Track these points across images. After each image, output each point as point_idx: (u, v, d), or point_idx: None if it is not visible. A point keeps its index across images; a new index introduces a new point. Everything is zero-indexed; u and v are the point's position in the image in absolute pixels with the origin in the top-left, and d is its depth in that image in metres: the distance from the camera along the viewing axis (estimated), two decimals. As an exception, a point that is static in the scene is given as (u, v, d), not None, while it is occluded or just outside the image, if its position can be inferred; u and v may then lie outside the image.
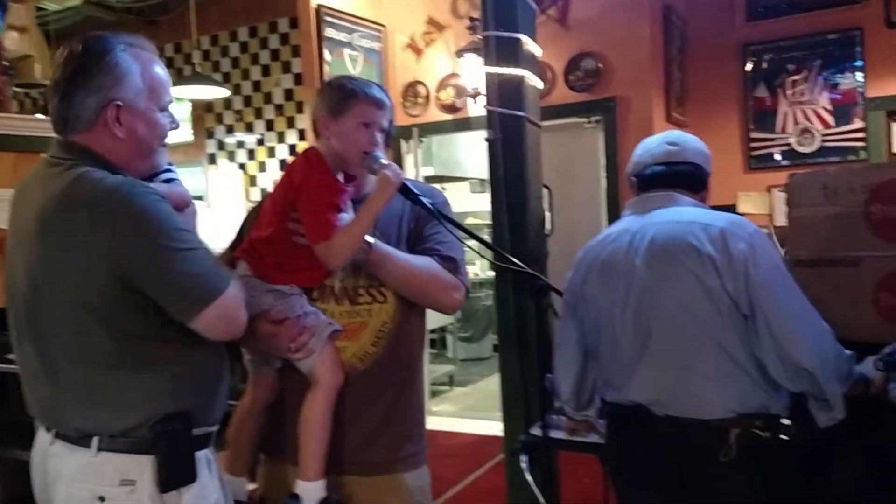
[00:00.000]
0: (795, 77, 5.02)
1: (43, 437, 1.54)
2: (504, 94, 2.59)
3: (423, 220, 1.82)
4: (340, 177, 1.73)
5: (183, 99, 5.05)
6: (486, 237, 2.36)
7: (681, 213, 1.81)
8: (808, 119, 5.00)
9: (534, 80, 2.64)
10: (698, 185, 1.91)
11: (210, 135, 5.50)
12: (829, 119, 4.94)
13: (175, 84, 4.85)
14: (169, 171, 1.67)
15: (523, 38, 2.57)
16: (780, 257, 1.75)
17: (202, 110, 5.50)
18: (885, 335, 1.80)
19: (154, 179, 1.60)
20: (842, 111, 4.90)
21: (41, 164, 1.51)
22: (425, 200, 1.74)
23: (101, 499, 1.42)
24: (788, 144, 5.05)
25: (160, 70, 1.54)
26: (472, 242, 1.95)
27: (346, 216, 1.68)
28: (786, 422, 1.73)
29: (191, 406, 1.49)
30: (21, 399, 2.74)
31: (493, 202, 2.66)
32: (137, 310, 1.41)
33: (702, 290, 1.68)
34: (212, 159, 5.54)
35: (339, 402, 1.71)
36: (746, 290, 1.65)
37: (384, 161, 1.71)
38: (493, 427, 5.18)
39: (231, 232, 1.94)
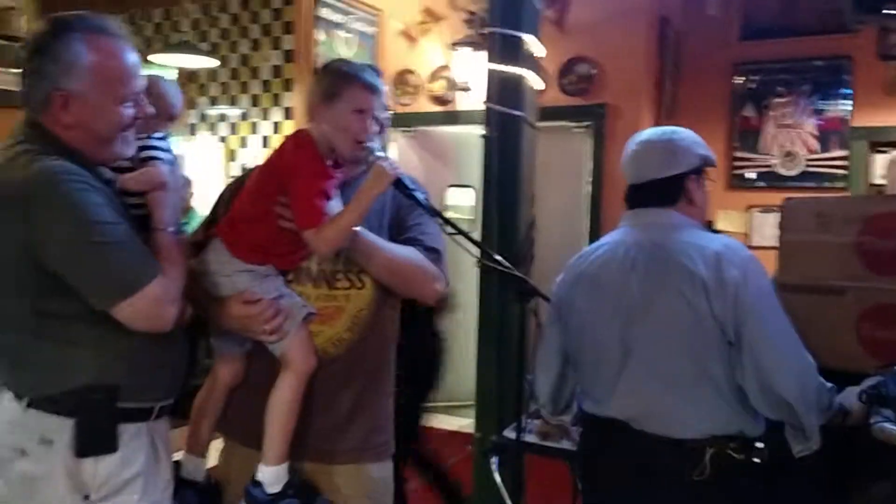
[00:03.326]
0: (783, 100, 5.07)
1: None
2: (504, 92, 2.57)
3: (405, 208, 1.80)
4: (329, 162, 1.69)
5: (169, 67, 4.95)
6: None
7: (676, 232, 1.79)
8: (792, 142, 5.05)
9: (534, 81, 2.62)
10: (678, 194, 1.84)
11: (192, 105, 5.39)
12: (814, 144, 5.00)
13: (162, 52, 4.80)
14: (152, 147, 1.65)
15: (527, 37, 2.55)
16: (771, 286, 1.75)
17: (185, 79, 5.39)
18: (865, 365, 1.83)
19: (133, 159, 1.60)
20: (826, 138, 4.97)
21: (8, 135, 1.51)
22: (419, 195, 1.72)
23: (23, 452, 1.46)
24: (771, 166, 5.10)
25: (124, 59, 1.50)
26: (457, 238, 1.93)
27: (335, 203, 1.65)
28: (759, 445, 1.74)
29: (120, 381, 1.51)
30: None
31: (484, 200, 2.64)
32: (61, 291, 1.43)
33: (690, 311, 1.68)
34: (192, 130, 5.43)
35: (309, 388, 1.70)
36: (734, 316, 1.65)
37: (380, 153, 1.68)
38: (455, 422, 5.21)
39: (206, 205, 1.90)
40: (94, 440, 1.49)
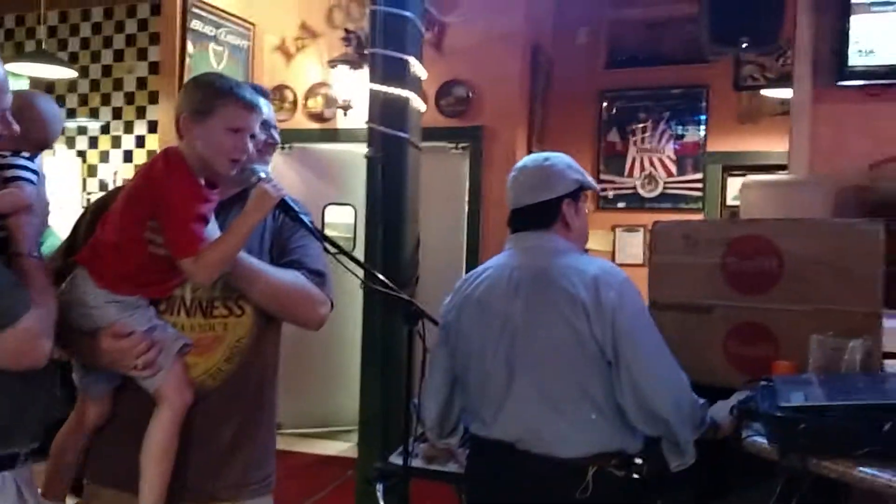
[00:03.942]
0: (644, 125, 5.37)
1: None
2: (387, 113, 2.57)
3: (286, 230, 1.73)
4: (202, 182, 1.60)
5: (21, 76, 4.60)
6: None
7: (557, 256, 1.83)
8: (653, 166, 5.36)
9: (418, 103, 2.63)
10: (554, 217, 1.87)
11: (48, 117, 5.04)
12: (672, 168, 5.33)
13: (14, 60, 4.45)
14: (17, 167, 1.53)
15: (411, 60, 2.56)
16: (645, 307, 1.82)
17: (42, 89, 5.03)
18: (733, 381, 1.94)
19: None
20: (684, 162, 5.30)
21: None
22: (305, 218, 1.67)
23: None
24: (634, 188, 5.38)
25: None
26: (342, 260, 1.89)
27: (212, 228, 1.57)
28: (638, 461, 1.81)
29: None
30: None
31: (368, 221, 2.62)
32: None
33: (571, 333, 1.72)
34: (47, 144, 5.07)
35: (186, 423, 1.60)
36: (612, 337, 1.71)
37: (262, 174, 1.61)
38: (334, 447, 5.11)
39: (64, 226, 1.77)
40: None
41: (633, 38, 5.39)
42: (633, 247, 5.27)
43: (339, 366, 5.17)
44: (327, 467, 4.64)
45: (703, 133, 5.26)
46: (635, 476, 1.80)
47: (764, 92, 4.95)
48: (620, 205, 5.39)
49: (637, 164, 5.41)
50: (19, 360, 1.38)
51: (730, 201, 5.38)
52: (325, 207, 5.08)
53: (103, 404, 1.67)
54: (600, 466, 1.73)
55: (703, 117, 5.26)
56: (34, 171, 1.55)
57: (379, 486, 2.34)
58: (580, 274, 1.76)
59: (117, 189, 1.70)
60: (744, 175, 5.11)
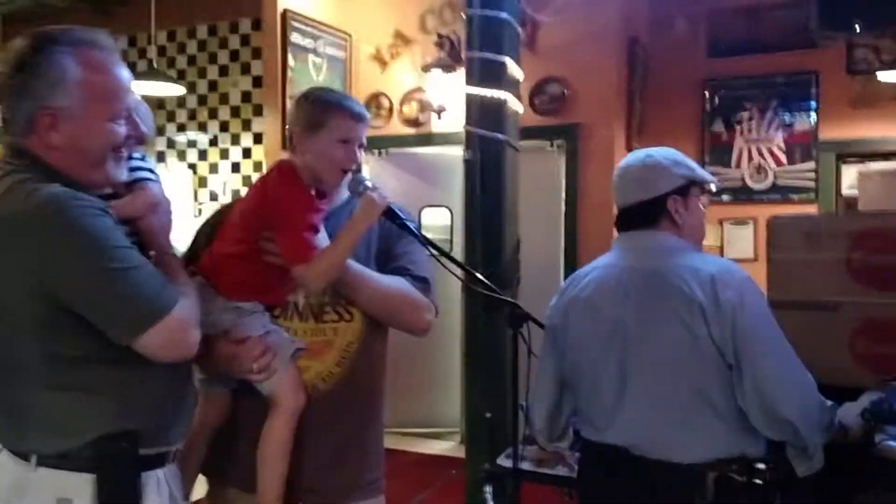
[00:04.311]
0: (750, 114, 5.15)
1: None
2: (484, 116, 2.56)
3: (392, 237, 1.77)
4: (313, 193, 1.66)
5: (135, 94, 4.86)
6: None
7: (669, 256, 1.78)
8: (761, 156, 5.13)
9: (515, 104, 2.61)
10: (659, 215, 1.82)
11: (160, 132, 5.32)
12: (782, 157, 5.09)
13: (129, 79, 4.71)
14: (139, 169, 1.56)
15: (508, 61, 2.54)
16: (767, 306, 1.74)
17: (153, 107, 5.31)
18: (861, 381, 1.83)
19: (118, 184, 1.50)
20: (793, 150, 5.05)
21: None
22: (410, 225, 1.69)
23: None
24: (741, 179, 5.17)
25: (115, 73, 1.40)
26: (445, 264, 1.89)
27: (321, 236, 1.62)
28: (761, 466, 1.73)
29: (138, 426, 1.40)
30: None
31: (467, 224, 2.62)
32: (73, 332, 1.32)
33: (688, 335, 1.66)
34: (160, 157, 5.35)
35: (299, 425, 1.65)
36: (733, 339, 1.64)
37: (369, 183, 1.66)
38: (436, 446, 5.15)
39: (179, 235, 1.84)
40: (118, 494, 1.37)
41: (734, 26, 5.18)
42: (742, 241, 5.06)
43: (439, 367, 5.22)
44: (431, 466, 4.68)
45: (813, 120, 4.99)
46: (758, 482, 1.72)
47: (880, 75, 4.66)
48: (727, 197, 5.18)
49: (744, 155, 5.19)
50: (173, 350, 1.39)
51: (845, 191, 5.08)
52: (421, 210, 5.13)
53: (222, 406, 1.74)
54: (720, 472, 1.67)
55: (813, 104, 4.99)
56: (151, 170, 1.59)
57: (488, 488, 2.35)
58: (696, 274, 1.69)
59: (233, 202, 1.78)
60: (860, 162, 4.85)
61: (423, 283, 1.75)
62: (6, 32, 4.77)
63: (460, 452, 3.61)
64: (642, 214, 1.81)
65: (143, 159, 1.61)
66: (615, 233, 1.92)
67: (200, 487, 1.83)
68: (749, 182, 5.16)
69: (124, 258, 1.33)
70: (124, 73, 1.42)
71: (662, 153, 1.86)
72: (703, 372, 1.67)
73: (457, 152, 5.00)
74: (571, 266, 4.69)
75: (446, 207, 5.24)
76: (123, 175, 1.48)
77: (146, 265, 1.38)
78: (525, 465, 2.33)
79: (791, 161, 5.06)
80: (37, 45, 1.34)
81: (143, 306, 1.33)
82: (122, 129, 1.41)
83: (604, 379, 1.78)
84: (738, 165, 5.19)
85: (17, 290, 1.30)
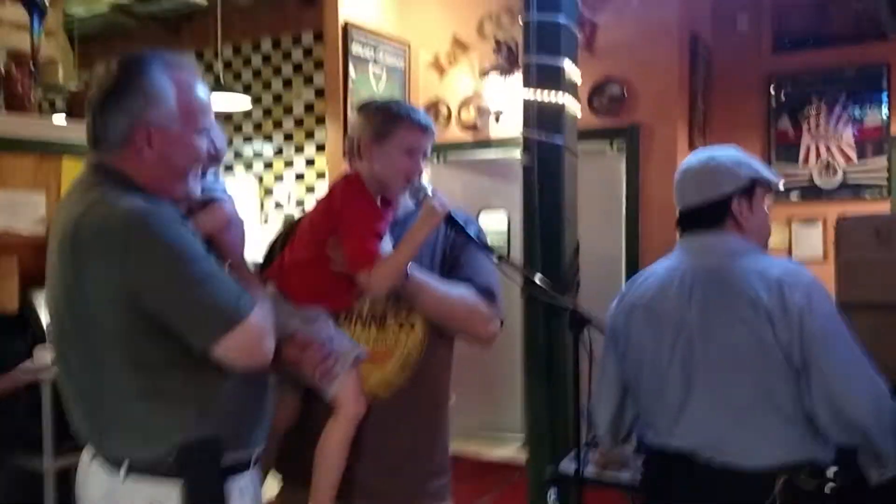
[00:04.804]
0: (819, 110, 5.00)
1: (86, 453, 1.51)
2: (542, 120, 2.56)
3: (458, 245, 1.78)
4: (378, 202, 1.70)
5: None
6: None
7: (734, 258, 1.75)
8: (830, 153, 4.98)
9: (573, 108, 2.61)
10: (723, 217, 1.79)
11: (227, 144, 5.47)
12: (852, 154, 4.92)
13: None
14: (213, 189, 1.62)
15: (566, 65, 2.54)
16: (835, 309, 1.70)
17: (220, 119, 5.48)
18: (936, 385, 1.77)
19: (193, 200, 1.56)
20: (864, 147, 4.88)
21: (75, 181, 1.48)
22: (471, 230, 1.71)
23: None
24: (809, 178, 5.03)
25: (200, 92, 1.48)
26: (505, 269, 1.90)
27: (385, 243, 1.65)
28: (831, 472, 1.69)
29: (221, 432, 1.44)
30: (29, 408, 2.71)
31: (526, 229, 2.63)
32: (158, 338, 1.37)
33: (753, 339, 1.64)
34: (228, 169, 5.51)
35: (359, 433, 1.68)
36: (800, 343, 1.61)
37: (429, 190, 1.68)
38: (497, 452, 5.15)
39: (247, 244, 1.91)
40: (205, 501, 1.41)
41: (799, 20, 5.04)
42: (811, 241, 4.91)
43: (500, 371, 5.21)
44: (492, 471, 4.69)
45: (885, 115, 4.81)
46: (828, 488, 1.68)
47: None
48: (794, 197, 5.03)
49: (812, 153, 5.04)
50: (249, 357, 1.42)
51: (921, 188, 4.89)
52: (478, 214, 5.15)
53: (293, 408, 1.77)
54: (789, 477, 1.64)
55: (884, 97, 4.81)
56: (223, 189, 1.65)
57: (551, 493, 2.35)
58: (762, 276, 1.67)
59: (304, 214, 1.83)
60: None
61: (487, 292, 1.75)
62: (81, 51, 5.00)
63: (521, 457, 3.61)
64: (706, 216, 1.79)
65: (216, 179, 1.67)
66: (678, 235, 1.90)
67: (271, 488, 1.88)
68: (817, 180, 5.01)
69: (204, 267, 1.38)
70: (206, 92, 1.51)
71: (725, 153, 1.84)
72: (769, 375, 1.64)
73: (514, 155, 5.02)
74: (632, 269, 4.63)
75: (503, 210, 5.24)
76: (199, 190, 1.54)
77: (224, 274, 1.43)
78: (588, 470, 2.32)
79: (861, 158, 4.89)
80: (132, 65, 1.42)
81: (222, 313, 1.37)
82: (205, 145, 1.49)
83: (668, 382, 1.76)
84: (806, 163, 5.05)
85: (102, 298, 1.35)
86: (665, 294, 1.80)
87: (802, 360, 1.62)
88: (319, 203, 1.75)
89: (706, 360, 1.71)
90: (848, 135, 4.93)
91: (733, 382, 1.67)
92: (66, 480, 3.17)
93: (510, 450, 5.17)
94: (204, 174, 1.58)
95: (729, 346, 1.67)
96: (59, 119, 3.73)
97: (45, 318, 3.20)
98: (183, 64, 1.48)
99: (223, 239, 1.56)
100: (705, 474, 1.70)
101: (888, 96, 4.80)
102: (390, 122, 1.69)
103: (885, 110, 4.82)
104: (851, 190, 4.90)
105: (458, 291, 1.72)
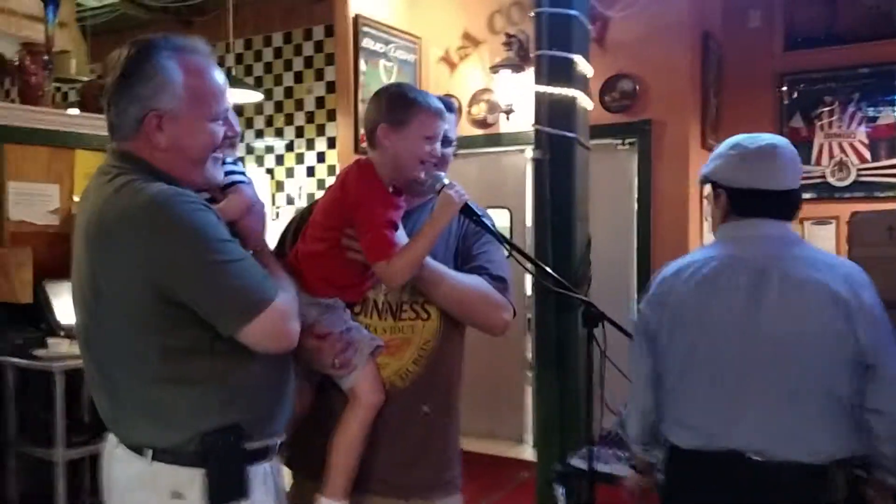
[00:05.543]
0: (831, 108, 4.97)
1: (111, 439, 1.51)
2: (554, 114, 2.55)
3: (471, 236, 1.78)
4: (391, 191, 1.68)
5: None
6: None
7: (797, 248, 1.70)
8: (843, 152, 4.94)
9: (585, 102, 2.60)
10: (797, 208, 1.76)
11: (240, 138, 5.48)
12: (865, 153, 4.89)
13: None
14: (233, 172, 1.61)
15: (577, 58, 2.53)
16: None
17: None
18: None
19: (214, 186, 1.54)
20: (877, 146, 4.85)
21: (97, 170, 1.47)
22: (487, 222, 1.70)
23: None
24: (822, 176, 5.00)
25: (213, 77, 1.46)
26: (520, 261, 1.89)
27: (401, 234, 1.64)
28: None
29: (244, 419, 1.43)
30: (45, 397, 2.72)
31: (537, 223, 2.62)
32: (183, 324, 1.37)
33: (825, 330, 1.60)
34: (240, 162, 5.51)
35: (377, 421, 1.68)
36: (875, 340, 1.60)
37: (446, 180, 1.67)
38: (505, 449, 5.14)
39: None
40: (227, 487, 1.41)
41: (811, 17, 5.01)
42: (824, 241, 4.87)
43: (509, 368, 5.21)
44: (501, 468, 4.68)
45: (898, 113, 4.79)
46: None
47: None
48: (807, 195, 5.00)
49: (825, 151, 5.01)
50: (275, 341, 1.42)
51: (934, 186, 4.85)
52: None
53: (304, 399, 1.76)
54: (848, 473, 1.62)
55: (897, 96, 4.79)
56: (243, 173, 1.63)
57: (560, 490, 2.34)
58: (830, 269, 1.63)
59: (313, 203, 1.81)
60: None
61: (500, 282, 1.74)
62: (93, 44, 5.02)
63: (531, 455, 3.59)
64: (786, 203, 1.73)
65: (235, 163, 1.65)
66: (691, 230, 1.87)
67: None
68: (830, 179, 4.98)
69: (229, 251, 1.37)
70: (221, 76, 1.48)
71: None
72: (835, 368, 1.61)
73: (522, 152, 5.01)
74: (644, 266, 4.62)
75: (506, 208, 5.21)
76: (220, 176, 1.52)
77: (249, 258, 1.43)
78: (601, 466, 2.30)
79: (875, 157, 4.86)
80: (141, 51, 1.41)
81: (248, 296, 1.37)
82: (220, 130, 1.47)
83: (721, 379, 1.69)
84: (819, 162, 5.01)
85: (127, 284, 1.35)
86: (716, 285, 1.70)
87: (874, 356, 1.60)
88: (330, 191, 1.73)
89: (773, 353, 1.64)
90: (861, 134, 4.90)
91: (795, 375, 1.63)
92: (77, 471, 3.20)
93: (521, 447, 5.17)
94: (224, 161, 1.57)
95: (794, 337, 1.62)
96: (73, 111, 3.74)
97: (58, 308, 3.23)
98: (196, 48, 1.45)
99: (245, 224, 1.55)
100: (758, 472, 1.64)
101: (902, 94, 4.77)
102: (409, 107, 1.66)
103: (898, 108, 4.78)
104: (864, 189, 4.86)
105: (472, 281, 1.72)
